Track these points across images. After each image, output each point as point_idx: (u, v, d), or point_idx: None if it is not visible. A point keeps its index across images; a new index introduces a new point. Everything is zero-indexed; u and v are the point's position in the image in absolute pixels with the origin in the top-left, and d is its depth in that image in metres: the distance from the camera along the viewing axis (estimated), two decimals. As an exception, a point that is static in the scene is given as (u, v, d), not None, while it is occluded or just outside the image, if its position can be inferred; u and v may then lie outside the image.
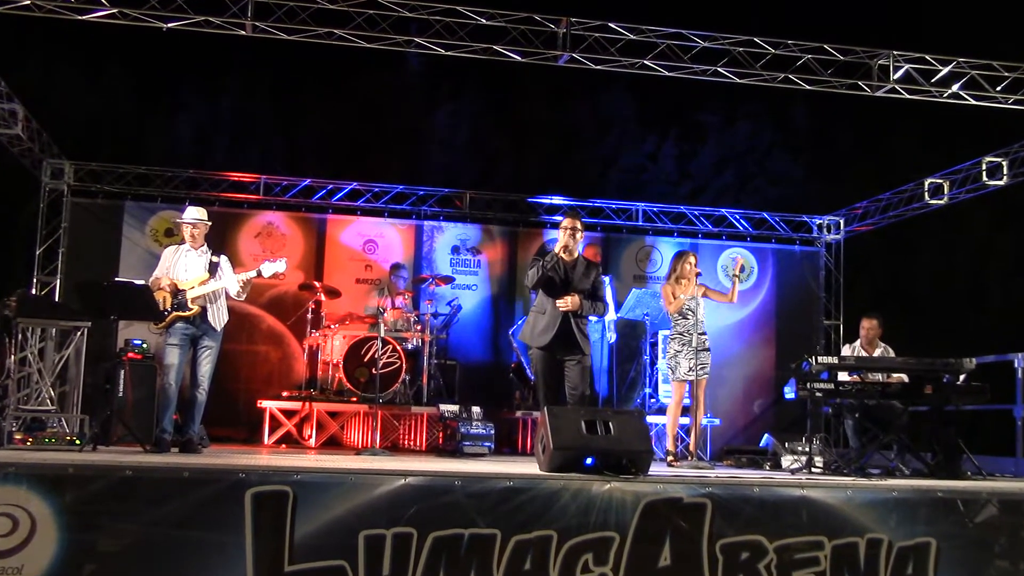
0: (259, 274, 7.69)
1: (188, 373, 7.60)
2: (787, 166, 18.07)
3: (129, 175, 12.21)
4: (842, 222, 13.37)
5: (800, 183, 17.32)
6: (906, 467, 7.76)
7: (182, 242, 7.75)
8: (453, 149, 17.76)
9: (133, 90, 16.21)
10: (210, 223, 7.84)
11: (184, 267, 7.60)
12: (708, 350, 8.29)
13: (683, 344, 8.21)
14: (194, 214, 7.73)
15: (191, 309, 7.44)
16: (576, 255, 7.30)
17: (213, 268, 7.61)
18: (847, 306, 13.19)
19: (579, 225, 7.29)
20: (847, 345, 9.62)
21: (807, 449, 8.04)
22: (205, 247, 7.73)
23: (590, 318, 7.45)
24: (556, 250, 7.25)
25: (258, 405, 10.60)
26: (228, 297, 7.69)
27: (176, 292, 7.47)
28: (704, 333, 8.30)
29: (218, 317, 7.59)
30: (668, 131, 18.42)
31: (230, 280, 7.59)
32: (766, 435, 10.23)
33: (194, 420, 7.50)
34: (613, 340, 10.48)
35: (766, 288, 13.20)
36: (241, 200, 12.38)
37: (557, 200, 12.98)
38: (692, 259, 8.42)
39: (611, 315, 10.38)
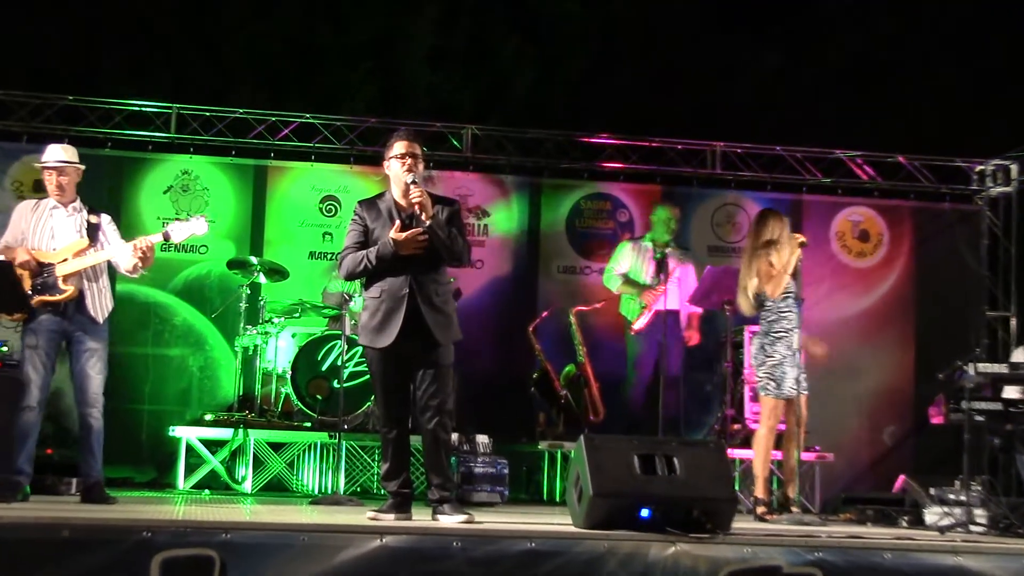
0: (166, 239, 7.61)
1: (71, 389, 7.57)
2: (932, 89, 18.00)
3: (-19, 104, 12.25)
4: (1014, 169, 13.23)
5: (952, 114, 17.25)
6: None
7: (44, 196, 7.70)
8: (445, 63, 17.72)
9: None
10: (83, 167, 7.78)
11: (50, 231, 7.54)
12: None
13: (790, 348, 8.21)
14: (59, 154, 7.64)
15: (63, 291, 7.34)
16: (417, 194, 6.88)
17: (92, 232, 7.55)
18: (1022, 290, 13.10)
19: (418, 151, 6.99)
20: (1022, 347, 9.59)
21: (963, 498, 8.04)
22: (78, 202, 7.66)
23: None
24: (397, 195, 6.95)
25: (170, 434, 10.62)
26: (114, 275, 7.66)
27: (40, 268, 7.39)
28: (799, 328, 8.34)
29: (100, 304, 7.52)
30: (755, 35, 18.35)
31: (120, 249, 7.54)
32: (902, 477, 10.22)
33: (93, 455, 7.48)
34: (695, 342, 10.49)
35: (901, 264, 13.13)
36: (144, 140, 12.36)
37: (597, 139, 12.93)
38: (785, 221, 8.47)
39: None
